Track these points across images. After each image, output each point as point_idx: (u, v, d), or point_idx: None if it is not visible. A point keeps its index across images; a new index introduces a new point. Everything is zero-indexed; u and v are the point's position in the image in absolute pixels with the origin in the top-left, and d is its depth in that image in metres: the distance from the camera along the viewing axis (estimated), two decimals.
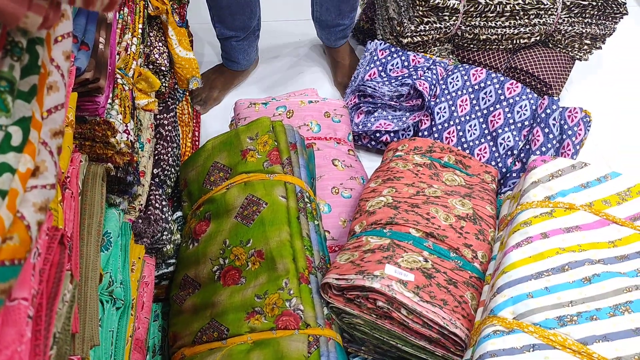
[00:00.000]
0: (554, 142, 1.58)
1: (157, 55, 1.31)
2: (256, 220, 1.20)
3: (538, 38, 1.81)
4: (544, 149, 1.57)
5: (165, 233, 1.23)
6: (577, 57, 1.88)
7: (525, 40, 1.81)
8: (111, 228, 1.03)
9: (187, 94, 1.65)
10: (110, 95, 0.98)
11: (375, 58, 1.77)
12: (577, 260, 1.08)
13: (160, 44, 1.33)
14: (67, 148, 0.78)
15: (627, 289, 1.04)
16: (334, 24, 1.81)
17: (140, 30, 1.17)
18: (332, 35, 1.86)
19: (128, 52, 1.10)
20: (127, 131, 1.00)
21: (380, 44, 1.80)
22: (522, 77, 1.81)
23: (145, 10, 1.26)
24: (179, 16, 1.54)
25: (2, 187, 0.41)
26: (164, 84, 1.33)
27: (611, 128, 1.94)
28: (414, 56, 1.76)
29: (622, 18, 1.79)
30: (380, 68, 1.77)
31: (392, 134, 1.70)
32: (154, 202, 1.22)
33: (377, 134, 1.71)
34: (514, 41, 1.81)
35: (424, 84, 1.65)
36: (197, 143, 1.66)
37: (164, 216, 1.23)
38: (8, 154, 0.43)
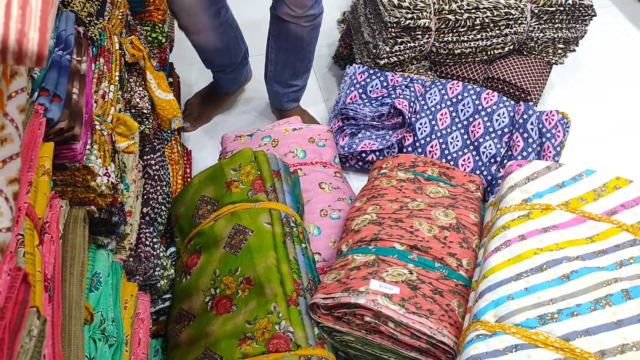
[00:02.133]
0: (534, 145, 1.60)
1: (138, 99, 1.37)
2: (243, 248, 1.24)
3: (512, 47, 1.85)
4: (525, 153, 1.60)
5: (158, 269, 1.27)
6: (553, 61, 1.91)
7: (500, 51, 1.85)
8: (100, 268, 1.07)
9: (176, 133, 1.71)
10: (89, 141, 1.03)
11: (355, 81, 1.83)
12: (555, 259, 1.10)
13: (140, 88, 1.39)
14: (44, 195, 0.83)
15: (607, 283, 1.06)
16: (287, 84, 1.81)
17: (117, 78, 1.23)
18: (284, 97, 1.86)
19: (105, 100, 1.16)
20: (108, 174, 1.05)
21: (359, 67, 1.85)
22: (500, 86, 1.84)
23: (122, 58, 1.33)
24: (159, 60, 1.61)
25: None
26: (147, 126, 1.39)
27: (595, 126, 1.97)
28: (392, 76, 1.81)
29: (591, 20, 1.83)
30: (361, 90, 1.81)
31: (377, 153, 1.74)
32: (144, 240, 1.26)
33: (363, 154, 1.75)
34: (488, 52, 1.85)
35: (402, 102, 1.70)
36: (188, 180, 1.71)
37: (155, 253, 1.27)
38: None
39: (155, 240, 1.30)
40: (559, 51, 1.90)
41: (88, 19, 1.18)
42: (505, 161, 1.64)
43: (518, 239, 1.15)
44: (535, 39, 1.85)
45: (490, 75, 1.86)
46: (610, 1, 2.46)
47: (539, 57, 1.89)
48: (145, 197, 1.38)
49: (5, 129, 0.56)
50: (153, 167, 1.43)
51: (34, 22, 0.45)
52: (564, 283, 1.06)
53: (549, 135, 1.61)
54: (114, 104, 1.19)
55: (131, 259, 1.21)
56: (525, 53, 1.90)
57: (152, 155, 1.45)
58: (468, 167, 1.66)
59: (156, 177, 1.43)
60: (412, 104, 1.72)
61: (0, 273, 0.51)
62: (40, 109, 0.83)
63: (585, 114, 1.99)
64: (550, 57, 1.90)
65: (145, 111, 1.39)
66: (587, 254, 1.12)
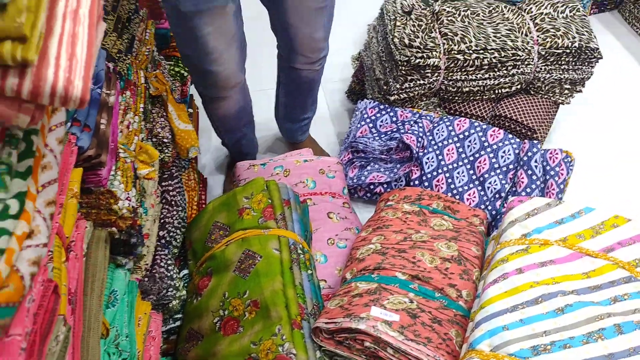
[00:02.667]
0: (538, 182, 1.66)
1: (159, 129, 1.46)
2: (252, 272, 1.30)
3: (519, 87, 1.92)
4: (529, 189, 1.65)
5: (170, 290, 1.34)
6: (560, 101, 1.98)
7: (507, 90, 1.92)
8: (118, 286, 1.14)
9: (192, 162, 1.79)
10: (113, 167, 1.11)
11: (365, 116, 1.90)
12: (550, 292, 1.14)
13: (162, 119, 1.48)
14: (72, 216, 0.91)
15: (600, 317, 1.10)
16: (299, 119, 1.88)
17: (141, 109, 1.32)
18: (297, 132, 1.93)
19: (130, 129, 1.25)
20: (129, 198, 1.12)
21: (370, 102, 1.93)
22: (507, 124, 1.91)
23: (147, 91, 1.42)
24: (180, 92, 1.71)
25: (3, 246, 0.53)
26: (167, 154, 1.48)
27: (601, 163, 2.01)
28: (402, 112, 1.88)
29: (597, 62, 1.90)
30: (371, 125, 1.89)
31: (385, 185, 1.80)
32: (159, 261, 1.33)
33: (371, 186, 1.81)
34: (496, 91, 1.92)
35: (411, 137, 1.77)
36: (203, 206, 1.79)
37: (168, 274, 1.34)
38: (6, 221, 0.55)
39: (169, 262, 1.37)
40: (566, 91, 1.96)
41: (118, 55, 1.28)
42: (510, 197, 1.70)
43: (516, 272, 1.20)
44: (542, 80, 1.92)
45: (498, 113, 1.93)
46: (615, 38, 2.52)
47: (545, 96, 1.96)
48: (162, 221, 1.45)
49: (45, 158, 0.64)
50: (170, 193, 1.51)
51: (79, 71, 0.53)
52: (558, 316, 1.10)
53: (552, 172, 1.67)
54: (137, 133, 1.27)
55: (146, 279, 1.28)
56: (532, 92, 1.97)
57: (170, 182, 1.53)
58: (473, 201, 1.71)
59: (173, 203, 1.50)
60: (420, 139, 1.79)
61: (36, 283, 0.58)
62: (73, 138, 0.91)
63: (591, 151, 2.04)
64: (557, 97, 1.96)
65: (165, 140, 1.48)
66: (582, 288, 1.16)
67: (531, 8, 1.93)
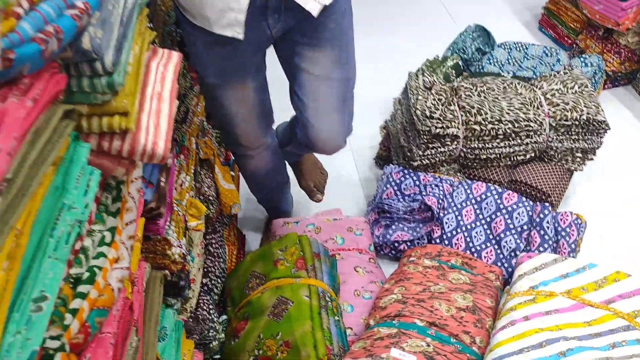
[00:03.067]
0: (550, 242, 1.78)
1: (206, 188, 1.66)
2: (284, 316, 1.45)
3: (533, 155, 2.08)
4: (541, 248, 1.77)
5: (211, 331, 1.49)
6: (572, 168, 2.12)
7: (522, 157, 2.08)
8: (167, 323, 1.31)
9: (233, 219, 1.98)
10: (168, 219, 1.31)
11: (391, 179, 2.08)
12: (554, 338, 1.26)
13: (208, 179, 1.69)
14: (136, 256, 1.09)
15: None
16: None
17: (192, 170, 1.54)
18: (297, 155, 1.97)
19: (183, 187, 1.45)
20: (180, 246, 1.31)
21: (395, 167, 2.11)
22: (523, 189, 2.05)
23: (197, 155, 1.64)
24: (224, 156, 1.93)
25: (101, 265, 0.71)
26: (211, 211, 1.67)
27: (616, 227, 2.11)
28: (424, 176, 2.05)
29: (606, 133, 2.05)
30: (396, 188, 2.06)
31: (408, 243, 1.95)
32: (202, 305, 1.50)
33: (396, 244, 1.96)
34: (512, 158, 2.08)
35: (432, 199, 1.93)
36: (241, 259, 1.96)
37: (210, 317, 1.50)
38: (103, 247, 0.74)
39: (211, 307, 1.53)
40: (578, 159, 2.10)
41: (175, 124, 1.50)
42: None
43: (522, 319, 1.32)
44: (554, 148, 2.07)
45: (514, 179, 2.08)
46: (629, 110, 2.66)
47: (559, 164, 2.10)
48: (205, 269, 1.63)
49: (128, 203, 0.84)
50: (213, 245, 1.70)
51: (162, 136, 0.73)
52: (560, 358, 1.21)
53: (563, 233, 1.79)
54: (188, 191, 1.48)
55: (191, 320, 1.44)
56: (546, 160, 2.12)
57: (213, 236, 1.72)
58: (490, 259, 1.84)
59: (215, 254, 1.69)
60: (440, 201, 1.95)
61: (120, 296, 0.76)
62: (141, 192, 1.11)
63: (606, 215, 2.15)
64: (570, 164, 2.11)
65: (211, 198, 1.68)
66: (583, 335, 1.27)
67: (542, 85, 2.12)
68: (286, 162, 1.97)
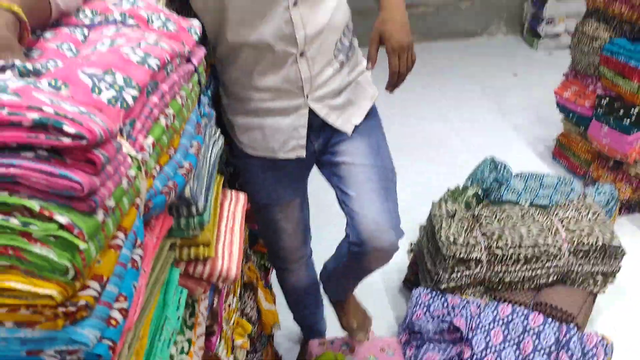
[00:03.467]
0: None
1: (249, 309, 1.81)
2: None
3: (555, 278, 2.19)
4: None
5: None
6: (595, 291, 2.21)
7: (544, 280, 2.19)
8: None
9: (271, 339, 2.10)
10: (219, 336, 1.45)
11: (420, 301, 2.19)
12: None
13: (251, 301, 1.84)
14: None
15: None
16: (350, 287, 1.92)
17: (238, 293, 1.69)
18: (342, 293, 1.96)
19: (230, 308, 1.61)
20: None
21: (423, 290, 2.23)
22: (548, 311, 2.14)
23: (242, 279, 1.81)
24: (265, 279, 2.09)
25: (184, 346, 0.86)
26: (253, 330, 1.80)
27: None
28: (452, 298, 2.16)
29: (623, 257, 2.17)
30: (425, 310, 2.17)
31: None
32: None
33: None
34: (535, 281, 2.19)
35: (461, 320, 2.03)
36: None
37: None
38: (181, 355, 0.88)
39: None
40: (599, 282, 2.20)
41: None
42: None
43: None
44: (575, 272, 2.18)
45: (539, 301, 2.17)
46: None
47: (581, 286, 2.20)
48: None
49: (199, 318, 1.00)
50: None
51: (234, 263, 0.91)
52: None
53: (590, 354, 1.85)
54: (235, 311, 1.63)
55: None
56: (568, 283, 2.22)
57: (254, 354, 1.83)
58: None
59: None
60: (468, 322, 2.04)
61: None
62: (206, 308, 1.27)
63: (631, 336, 2.20)
64: (592, 287, 2.20)
65: (253, 318, 1.82)
66: None
67: (558, 212, 2.28)
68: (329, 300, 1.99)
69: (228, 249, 0.93)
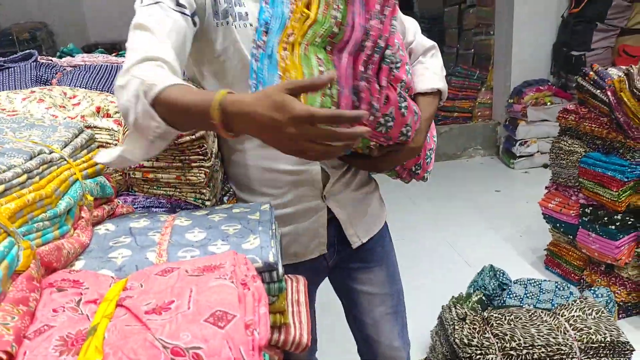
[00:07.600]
0: None
1: None
2: None
3: None
4: None
5: None
6: None
7: None
8: None
9: None
10: None
11: None
12: None
13: None
14: None
15: None
16: None
17: None
18: None
19: None
20: None
21: None
22: None
23: None
24: None
25: None
26: None
27: None
28: None
29: (632, 353, 2.23)
30: None
31: None
32: None
33: None
34: None
35: None
36: None
37: None
38: None
39: None
40: None
41: None
42: None
43: None
44: None
45: None
46: None
47: None
48: None
49: None
50: None
51: (304, 331, 0.98)
52: None
53: None
54: None
55: None
56: None
57: None
58: None
59: None
60: None
61: None
62: None
63: None
64: None
65: None
66: None
67: (563, 312, 2.37)
68: None
69: (297, 318, 1.00)
